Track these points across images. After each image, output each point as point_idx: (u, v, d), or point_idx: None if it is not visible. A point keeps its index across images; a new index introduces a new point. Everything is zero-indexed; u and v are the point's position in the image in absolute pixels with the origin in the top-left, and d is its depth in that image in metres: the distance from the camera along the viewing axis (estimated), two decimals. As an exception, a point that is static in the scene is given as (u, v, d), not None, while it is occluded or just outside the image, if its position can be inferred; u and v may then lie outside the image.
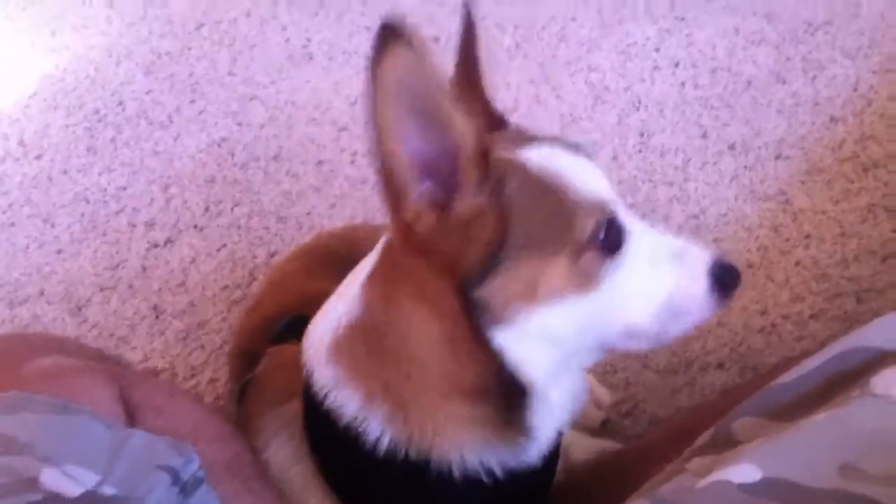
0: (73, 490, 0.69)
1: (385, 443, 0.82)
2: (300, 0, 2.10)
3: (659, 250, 0.84)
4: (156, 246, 1.62)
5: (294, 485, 0.90)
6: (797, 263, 1.42)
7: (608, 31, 1.92)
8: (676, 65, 1.81)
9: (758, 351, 1.31)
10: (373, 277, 0.84)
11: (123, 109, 1.91)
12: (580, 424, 1.22)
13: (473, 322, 0.79)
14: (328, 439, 0.85)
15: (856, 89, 1.71)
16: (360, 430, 0.83)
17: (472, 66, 0.90)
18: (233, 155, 1.76)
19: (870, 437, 0.65)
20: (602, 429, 1.25)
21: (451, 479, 0.82)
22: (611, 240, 0.80)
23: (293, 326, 0.95)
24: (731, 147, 1.63)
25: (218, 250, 1.60)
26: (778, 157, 1.59)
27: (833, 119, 1.65)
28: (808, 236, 1.45)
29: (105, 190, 1.73)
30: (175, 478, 0.75)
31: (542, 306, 0.79)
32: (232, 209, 1.66)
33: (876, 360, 0.71)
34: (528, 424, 0.83)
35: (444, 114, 0.73)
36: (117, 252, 1.62)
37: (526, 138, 0.84)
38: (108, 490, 0.70)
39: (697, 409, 1.22)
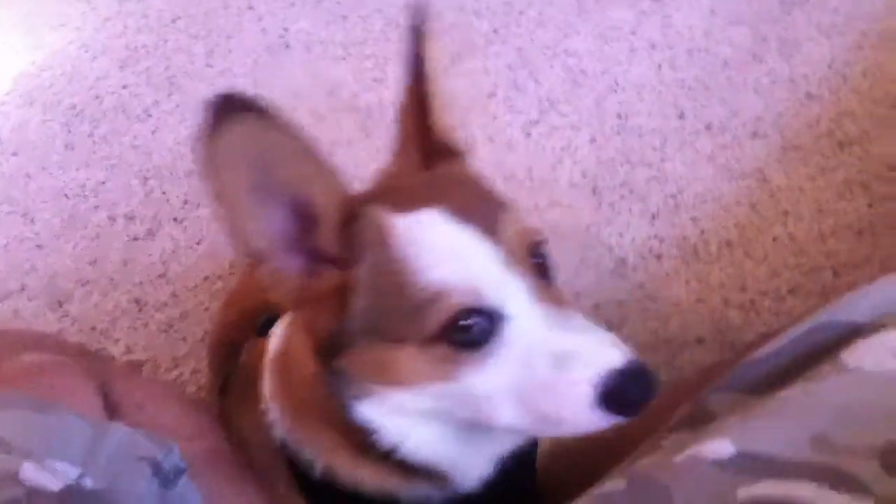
0: (55, 484, 0.69)
1: (319, 469, 0.81)
2: (276, -10, 2.10)
3: (539, 348, 0.71)
4: (136, 239, 1.62)
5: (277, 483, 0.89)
6: (774, 240, 1.42)
7: (586, 16, 1.92)
8: (653, 47, 1.81)
9: (736, 327, 1.32)
10: (285, 332, 0.84)
11: (101, 104, 1.91)
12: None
13: (333, 389, 0.77)
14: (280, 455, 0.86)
15: (831, 66, 1.71)
16: (293, 451, 0.83)
17: (421, 87, 0.82)
18: (211, 147, 1.75)
19: (840, 410, 0.65)
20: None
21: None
22: (473, 332, 0.71)
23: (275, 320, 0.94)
24: (708, 127, 1.64)
25: (198, 242, 1.60)
26: (755, 136, 1.60)
27: (809, 96, 1.66)
28: (785, 213, 1.46)
29: (84, 185, 1.73)
30: (156, 469, 0.75)
31: (399, 388, 0.74)
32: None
33: (847, 334, 0.71)
34: (433, 475, 0.81)
35: (299, 181, 0.68)
36: (98, 246, 1.61)
37: (414, 197, 0.75)
38: (90, 483, 0.71)
39: (674, 385, 1.23)
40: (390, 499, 0.81)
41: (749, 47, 1.78)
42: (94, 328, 1.48)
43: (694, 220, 1.48)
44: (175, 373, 1.39)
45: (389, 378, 0.73)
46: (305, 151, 0.67)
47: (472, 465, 0.82)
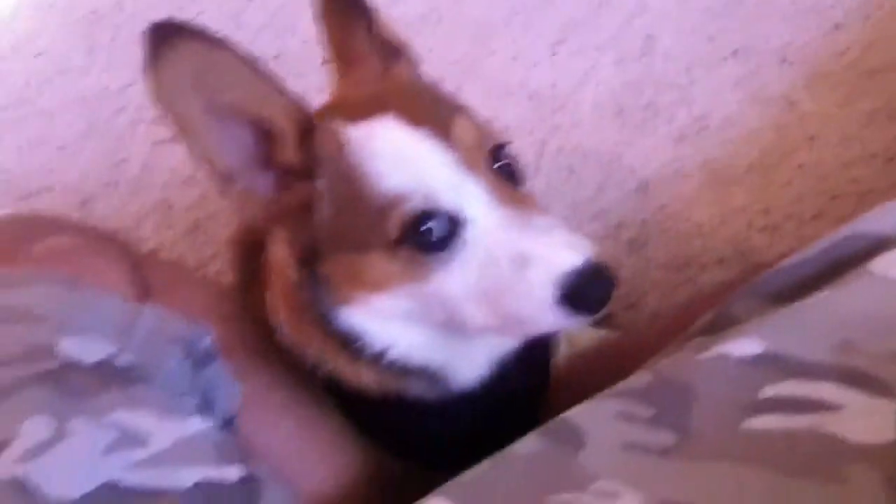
0: (90, 357, 0.71)
1: (322, 370, 0.84)
2: None
3: (498, 250, 0.72)
4: (160, 142, 1.62)
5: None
6: (800, 165, 1.42)
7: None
8: (683, -30, 1.79)
9: (759, 249, 1.33)
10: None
11: (122, 10, 1.89)
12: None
13: (317, 297, 0.79)
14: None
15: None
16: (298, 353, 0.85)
17: None
18: (235, 53, 1.75)
19: (866, 317, 0.66)
20: (605, 320, 1.28)
21: (390, 401, 0.83)
22: (433, 235, 0.72)
23: None
24: (735, 52, 1.62)
25: (225, 145, 1.59)
26: (782, 62, 1.59)
27: (837, 26, 1.63)
28: (811, 139, 1.45)
29: (106, 88, 1.73)
30: (188, 350, 0.77)
31: (375, 293, 0.76)
32: (237, 105, 1.65)
33: (875, 245, 0.72)
34: (427, 376, 0.83)
35: (251, 101, 0.70)
36: (121, 148, 1.62)
37: (366, 108, 0.76)
38: (124, 360, 0.72)
39: (695, 299, 1.24)
40: (390, 397, 0.83)
41: (778, -27, 1.75)
42: (120, 229, 1.50)
43: (719, 143, 1.48)
44: (201, 273, 1.41)
45: (363, 284, 0.75)
46: (250, 71, 0.69)
47: (465, 366, 0.84)
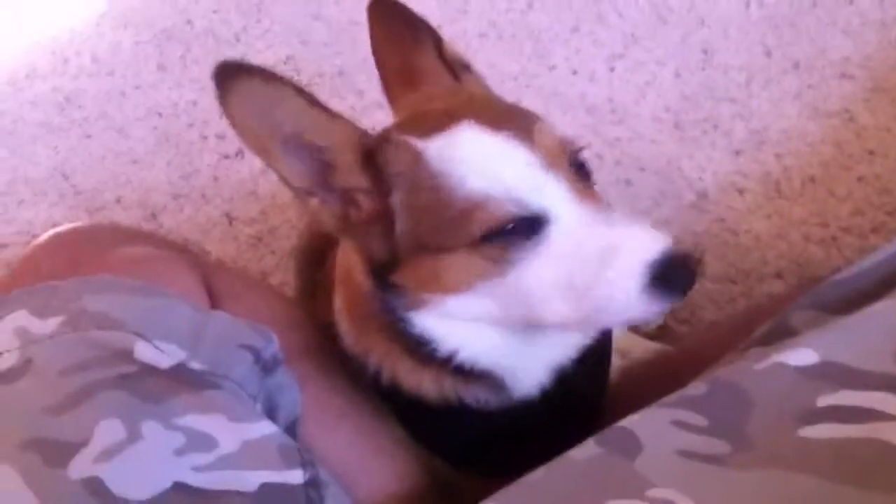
0: (165, 362, 0.73)
1: (385, 379, 0.86)
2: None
3: (587, 243, 0.74)
4: (227, 157, 1.67)
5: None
6: (859, 179, 1.42)
7: (673, -49, 1.90)
8: (742, -16, 1.79)
9: (817, 263, 1.32)
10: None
11: (192, 28, 1.94)
12: (638, 329, 1.26)
13: (389, 305, 0.82)
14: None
15: (925, 9, 1.68)
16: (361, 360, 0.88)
17: (406, 22, 0.89)
18: (298, 72, 1.79)
19: None
20: (659, 334, 1.28)
21: (450, 410, 0.86)
22: (517, 234, 0.74)
23: None
24: (795, 66, 1.62)
25: (286, 162, 1.63)
26: (842, 76, 1.58)
27: (901, 39, 1.63)
28: (871, 153, 1.45)
29: (176, 104, 1.78)
30: (256, 356, 0.79)
31: (452, 294, 0.78)
32: (299, 123, 1.69)
33: (936, 256, 0.73)
34: (491, 381, 0.85)
35: (309, 131, 0.75)
36: (190, 162, 1.67)
37: (441, 120, 0.78)
38: (195, 365, 0.75)
39: (752, 309, 1.24)
40: (450, 404, 0.86)
41: (840, -13, 1.74)
42: (186, 239, 1.54)
43: (778, 156, 1.48)
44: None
45: (443, 285, 0.77)
46: (306, 104, 0.75)
47: (528, 371, 0.86)
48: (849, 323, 0.71)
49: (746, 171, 1.46)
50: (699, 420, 0.68)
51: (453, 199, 0.74)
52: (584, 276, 0.73)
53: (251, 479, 0.69)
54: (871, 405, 0.62)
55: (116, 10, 2.02)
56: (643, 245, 0.73)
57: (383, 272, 0.79)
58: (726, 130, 1.53)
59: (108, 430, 0.67)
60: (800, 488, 0.59)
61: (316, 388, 0.87)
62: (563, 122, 1.58)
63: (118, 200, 1.63)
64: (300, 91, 0.74)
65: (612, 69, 1.69)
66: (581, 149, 0.80)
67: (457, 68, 0.88)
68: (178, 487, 0.66)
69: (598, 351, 0.90)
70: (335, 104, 0.84)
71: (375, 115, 1.63)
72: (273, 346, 0.81)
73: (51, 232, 0.97)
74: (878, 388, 0.63)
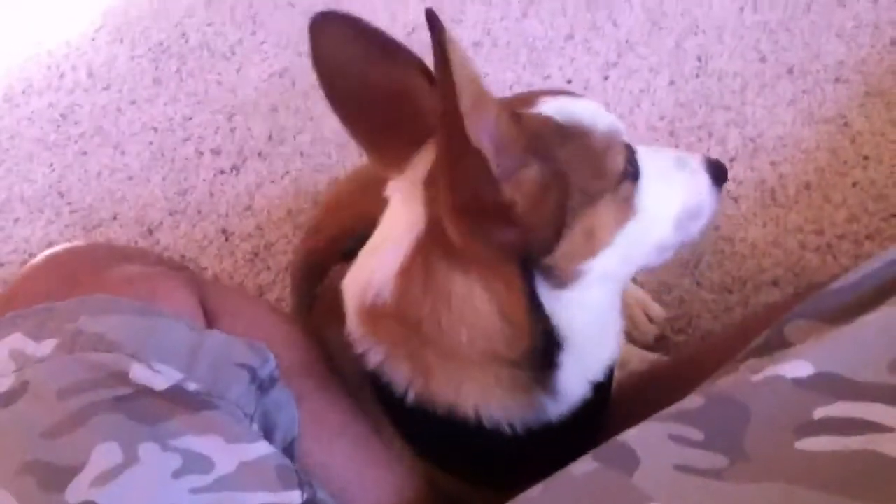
0: (161, 384, 0.73)
1: (411, 396, 0.84)
2: (357, -70, 2.11)
3: (664, 162, 0.90)
4: (222, 172, 1.67)
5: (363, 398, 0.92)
6: (854, 184, 1.42)
7: (666, -44, 1.90)
8: (735, -11, 1.79)
9: (813, 270, 1.32)
10: (408, 270, 0.80)
11: (187, 41, 1.95)
12: (635, 339, 1.26)
13: (532, 292, 0.80)
14: (367, 375, 0.88)
15: (919, 12, 1.68)
16: (385, 379, 0.85)
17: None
18: (294, 84, 1.79)
19: None
20: (656, 344, 1.28)
21: (480, 428, 0.84)
22: (634, 166, 0.84)
23: (363, 244, 0.96)
24: (790, 71, 1.62)
25: (282, 176, 1.64)
26: (837, 81, 1.58)
27: (894, 42, 1.62)
28: (866, 158, 1.45)
29: (172, 119, 1.79)
30: (253, 375, 0.79)
31: (598, 253, 0.81)
32: (295, 137, 1.70)
33: (932, 264, 0.73)
34: (556, 384, 0.85)
35: (483, 97, 0.68)
36: (185, 178, 1.67)
37: (530, 100, 0.82)
38: (192, 386, 0.75)
39: (748, 319, 1.24)
40: (484, 426, 0.85)
41: (834, -9, 1.75)
42: (183, 255, 1.54)
43: (773, 163, 1.48)
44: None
45: (594, 243, 0.81)
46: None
47: (588, 372, 0.88)
48: (844, 333, 0.70)
49: (741, 178, 1.46)
50: (696, 434, 0.68)
51: (594, 141, 0.80)
52: (676, 185, 0.89)
53: (249, 501, 0.69)
54: (868, 416, 0.62)
55: (112, 24, 2.03)
56: (692, 154, 0.93)
57: (539, 257, 0.79)
58: (721, 137, 1.54)
59: (105, 454, 0.67)
60: (798, 501, 0.59)
61: (313, 405, 0.87)
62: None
63: (114, 217, 1.63)
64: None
65: (606, 77, 1.69)
66: None
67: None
68: None
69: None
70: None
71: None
72: (270, 364, 0.81)
73: (46, 252, 0.97)
74: (874, 399, 0.63)
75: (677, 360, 1.18)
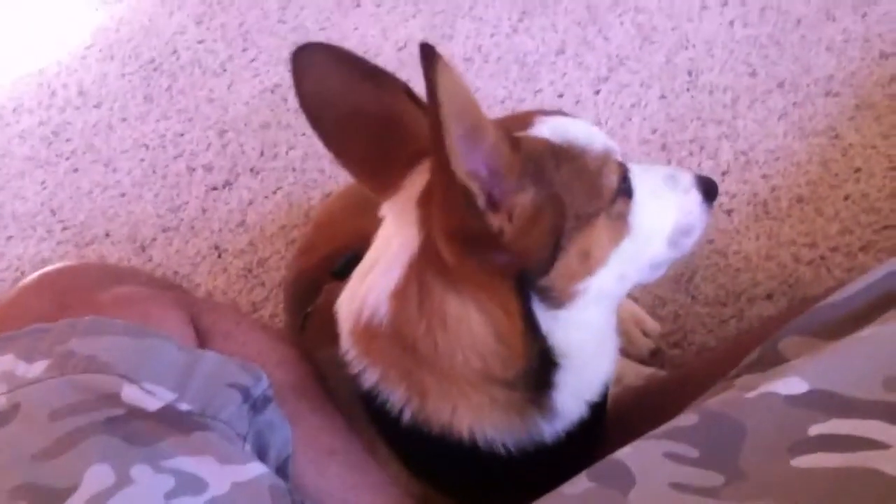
0: (153, 405, 0.73)
1: (406, 416, 0.83)
2: (348, -53, 2.12)
3: (655, 180, 0.90)
4: (214, 189, 1.67)
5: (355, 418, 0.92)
6: (846, 197, 1.42)
7: (657, -28, 1.91)
8: (725, 4, 1.79)
9: (807, 283, 1.32)
10: (403, 291, 0.80)
11: (178, 59, 1.95)
12: (630, 354, 1.25)
13: (527, 313, 0.80)
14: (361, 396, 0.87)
15: (907, 25, 1.69)
16: (380, 400, 0.84)
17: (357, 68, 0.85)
18: (286, 100, 1.79)
19: None
20: (651, 358, 1.28)
21: (475, 449, 0.84)
22: (627, 184, 0.84)
23: (356, 262, 0.95)
24: (780, 85, 1.63)
25: (274, 192, 1.64)
26: (827, 94, 1.59)
27: (883, 55, 1.63)
28: (857, 170, 1.45)
29: (163, 136, 1.79)
30: (245, 395, 0.79)
31: (594, 272, 0.81)
32: (287, 152, 1.70)
33: (925, 278, 0.73)
34: (553, 404, 0.85)
35: (481, 124, 0.69)
36: (178, 195, 1.67)
37: (525, 120, 0.82)
38: (184, 406, 0.75)
39: (742, 335, 1.24)
40: (478, 446, 0.84)
41: (822, 5, 1.75)
42: (175, 272, 1.54)
43: (765, 176, 1.48)
44: (254, 317, 1.45)
45: (590, 263, 0.81)
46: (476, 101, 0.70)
47: (585, 391, 0.88)
48: (838, 349, 0.71)
49: (734, 191, 1.47)
50: (691, 452, 0.67)
51: (588, 161, 0.81)
52: (667, 204, 0.90)
53: None
54: (863, 433, 0.62)
55: (102, 42, 2.03)
56: (684, 171, 0.94)
57: (534, 278, 0.79)
58: (712, 151, 1.54)
59: (98, 476, 0.66)
60: (793, 519, 0.59)
61: (307, 425, 0.87)
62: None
63: (107, 235, 1.63)
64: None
65: (597, 92, 1.69)
66: None
67: None
68: None
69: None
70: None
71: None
72: (263, 384, 0.81)
73: (38, 272, 0.97)
74: (869, 415, 0.63)
75: (672, 376, 1.18)
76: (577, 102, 1.68)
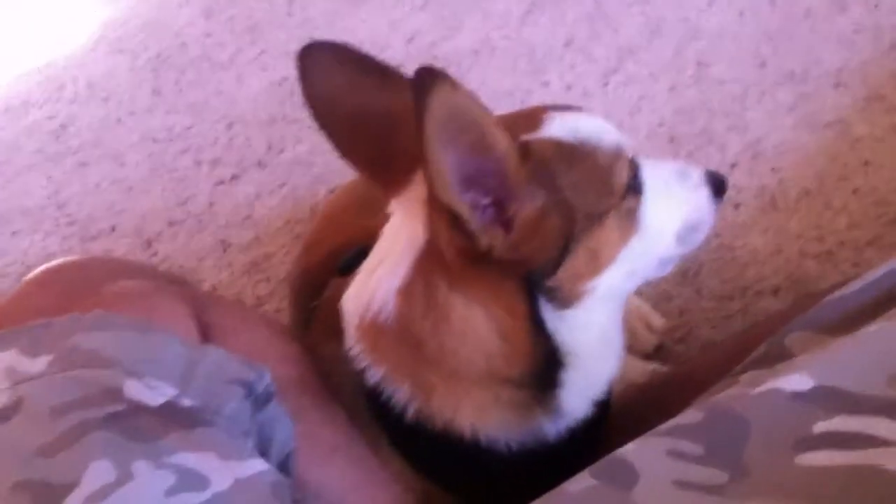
0: (155, 400, 0.73)
1: (410, 412, 0.84)
2: (356, -61, 2.11)
3: (665, 175, 0.89)
4: (221, 183, 1.67)
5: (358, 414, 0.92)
6: (855, 191, 1.41)
7: (666, -37, 1.90)
8: (735, -5, 1.79)
9: (814, 277, 1.31)
10: (409, 288, 0.81)
11: (186, 52, 1.95)
12: (635, 349, 1.25)
13: (534, 313, 0.80)
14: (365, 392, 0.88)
15: (918, 16, 1.67)
16: (385, 396, 0.85)
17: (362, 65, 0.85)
18: (293, 94, 1.78)
19: None
20: (656, 354, 1.28)
21: (478, 447, 0.84)
22: (637, 180, 0.84)
23: (361, 258, 0.95)
24: (790, 76, 1.61)
25: (281, 186, 1.64)
26: (837, 86, 1.58)
27: (893, 46, 1.62)
28: (866, 163, 1.44)
29: (171, 130, 1.79)
30: (248, 391, 0.79)
31: (602, 271, 0.81)
32: (294, 147, 1.70)
33: (931, 275, 0.72)
34: (559, 403, 0.85)
35: (488, 138, 0.70)
36: (185, 189, 1.67)
37: (535, 118, 0.82)
38: (186, 402, 0.74)
39: (747, 330, 1.23)
40: (482, 443, 0.85)
41: (833, -4, 1.74)
42: (181, 266, 1.54)
43: (773, 169, 1.47)
44: (259, 311, 1.44)
45: (598, 262, 0.81)
46: (482, 109, 0.70)
47: (591, 390, 0.88)
48: (843, 346, 0.70)
49: (741, 184, 1.46)
50: (695, 449, 0.67)
51: (600, 159, 0.80)
52: (677, 198, 0.89)
53: None
54: (869, 431, 0.62)
55: (111, 35, 2.03)
56: (693, 166, 0.93)
57: (541, 280, 0.79)
58: (721, 144, 1.53)
59: (99, 472, 0.66)
60: (797, 517, 0.59)
61: (309, 421, 0.86)
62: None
63: (113, 229, 1.63)
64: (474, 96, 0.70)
65: (605, 84, 1.68)
66: None
67: None
68: None
69: None
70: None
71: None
72: (265, 379, 0.81)
73: (42, 267, 0.97)
74: (874, 412, 0.63)
75: (676, 371, 1.17)
76: (586, 95, 1.67)
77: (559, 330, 0.82)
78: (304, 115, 1.68)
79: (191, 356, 0.79)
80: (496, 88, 1.72)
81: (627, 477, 0.67)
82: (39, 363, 0.74)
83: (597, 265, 0.81)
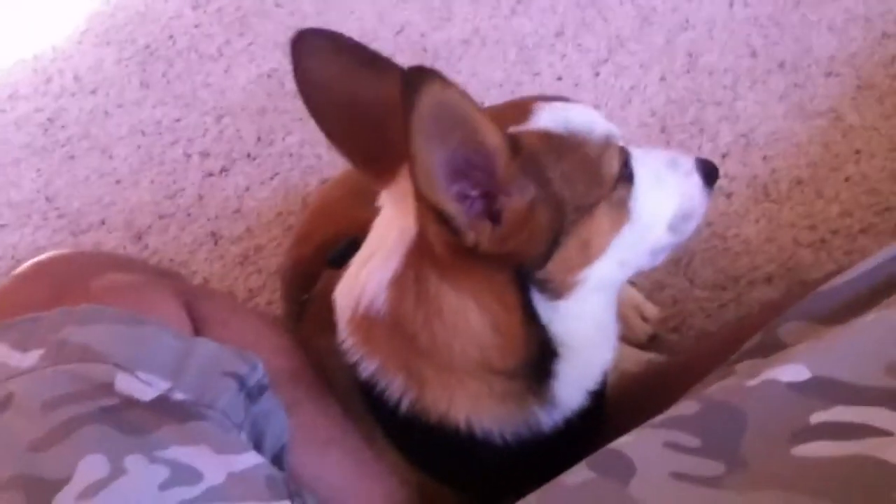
0: (147, 394, 0.72)
1: (404, 405, 0.84)
2: (344, -71, 2.10)
3: (656, 164, 0.89)
4: (211, 175, 1.66)
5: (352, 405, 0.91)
6: (847, 179, 1.41)
7: (656, -48, 1.89)
8: (725, -16, 1.78)
9: (807, 266, 1.31)
10: (400, 280, 0.80)
11: (174, 44, 1.94)
12: (629, 339, 1.25)
13: (526, 304, 0.80)
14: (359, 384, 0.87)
15: (909, 4, 1.67)
16: (378, 388, 0.85)
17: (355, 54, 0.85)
18: (283, 85, 1.78)
19: None
20: (650, 343, 1.27)
21: (473, 439, 0.84)
22: (627, 169, 0.84)
23: (351, 249, 0.94)
24: (781, 65, 1.61)
25: (271, 178, 1.63)
26: (828, 75, 1.58)
27: (885, 35, 1.62)
28: (858, 152, 1.44)
29: (160, 122, 1.77)
30: (241, 384, 0.78)
31: (594, 262, 0.81)
32: (284, 138, 1.69)
33: (925, 264, 0.72)
34: (552, 393, 0.85)
35: (479, 134, 0.70)
36: (174, 181, 1.66)
37: (523, 109, 0.82)
38: (179, 395, 0.74)
39: (742, 320, 1.23)
40: (477, 436, 0.85)
41: (824, -16, 1.74)
42: (172, 260, 1.53)
43: (765, 158, 1.47)
44: (251, 304, 1.44)
45: (589, 253, 0.81)
46: (473, 105, 0.69)
47: (585, 380, 0.88)
48: (839, 336, 0.70)
49: (733, 174, 1.45)
50: (692, 441, 0.67)
51: (590, 149, 0.80)
52: (669, 187, 0.89)
53: None
54: (865, 421, 0.62)
55: (98, 27, 2.02)
56: (685, 155, 0.93)
57: (532, 272, 0.79)
58: (712, 133, 1.53)
59: (92, 466, 0.66)
60: (795, 508, 0.58)
61: (303, 414, 0.86)
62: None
63: (103, 222, 1.62)
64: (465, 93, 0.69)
65: (597, 74, 1.68)
66: None
67: None
68: None
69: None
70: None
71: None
72: (258, 372, 0.80)
73: (32, 260, 0.96)
74: (871, 402, 0.63)
75: (671, 361, 1.18)
76: (577, 85, 1.67)
77: (552, 321, 0.81)
78: (294, 107, 1.70)
79: (183, 349, 0.78)
80: (487, 79, 1.71)
81: (624, 469, 0.67)
82: (30, 357, 0.74)
83: (588, 256, 0.81)
